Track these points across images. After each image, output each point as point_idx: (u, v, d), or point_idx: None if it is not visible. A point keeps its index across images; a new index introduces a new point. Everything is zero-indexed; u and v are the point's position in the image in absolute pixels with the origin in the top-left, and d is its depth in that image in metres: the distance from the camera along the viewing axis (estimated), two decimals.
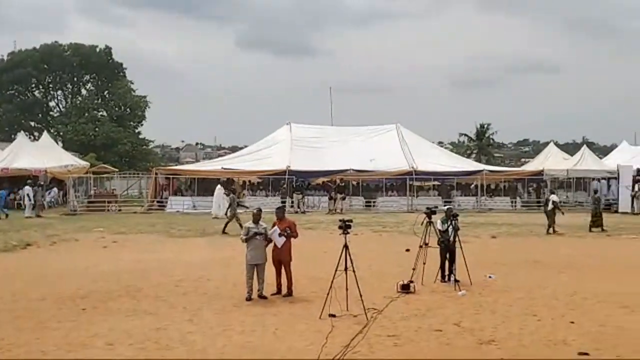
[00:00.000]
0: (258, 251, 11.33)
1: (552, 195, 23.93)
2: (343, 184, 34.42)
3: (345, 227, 10.44)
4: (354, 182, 36.18)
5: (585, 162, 37.49)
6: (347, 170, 34.72)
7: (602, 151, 64.35)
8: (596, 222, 22.96)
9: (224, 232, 21.94)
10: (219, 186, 30.53)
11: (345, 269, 10.16)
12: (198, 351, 8.28)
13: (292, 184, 33.93)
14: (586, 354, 8.01)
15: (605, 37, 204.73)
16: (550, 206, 22.70)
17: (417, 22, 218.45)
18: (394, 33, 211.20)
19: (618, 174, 34.08)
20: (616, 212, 31.84)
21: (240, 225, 21.35)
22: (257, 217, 11.53)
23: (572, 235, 22.07)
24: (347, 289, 10.06)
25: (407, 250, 13.07)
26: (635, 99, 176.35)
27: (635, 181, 32.59)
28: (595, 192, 27.75)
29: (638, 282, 12.80)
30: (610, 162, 39.30)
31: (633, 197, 32.02)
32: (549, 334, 8.97)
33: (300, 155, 35.62)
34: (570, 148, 61.87)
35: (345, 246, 10.26)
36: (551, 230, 22.33)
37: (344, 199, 33.30)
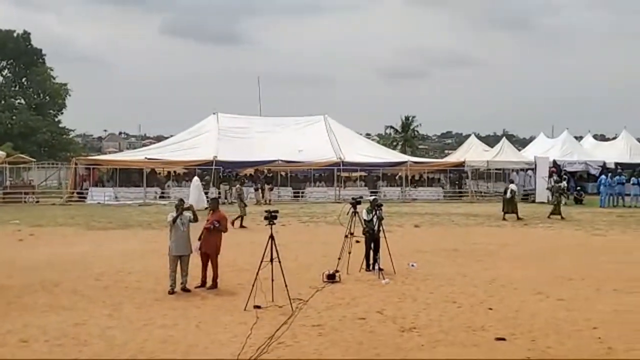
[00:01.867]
0: (181, 242, 11.11)
1: (512, 185, 25.73)
2: (271, 175, 34.30)
3: (271, 217, 10.40)
4: (282, 173, 36.15)
5: (505, 153, 38.93)
6: (275, 161, 34.59)
7: (521, 143, 67.10)
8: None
9: (241, 226, 21.13)
10: (196, 177, 29.97)
11: (271, 259, 10.13)
12: (117, 346, 8.05)
13: (219, 175, 33.51)
14: (503, 339, 8.32)
15: (523, 32, 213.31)
16: (509, 195, 24.29)
17: (346, 13, 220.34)
18: (323, 24, 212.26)
19: (535, 165, 35.55)
20: (533, 202, 33.22)
21: (242, 219, 21.17)
22: (179, 207, 11.27)
23: (490, 224, 22.89)
24: (272, 280, 10.04)
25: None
26: (553, 92, 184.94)
27: (550, 174, 34.10)
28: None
29: (551, 269, 13.42)
30: (528, 154, 40.94)
31: (550, 189, 33.49)
32: (468, 320, 9.26)
33: (227, 146, 35.16)
34: (491, 140, 64.04)
35: (271, 237, 10.22)
36: (515, 216, 23.79)
37: (272, 189, 33.18)
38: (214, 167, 33.27)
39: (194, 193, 28.39)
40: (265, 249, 10.17)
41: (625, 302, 10.38)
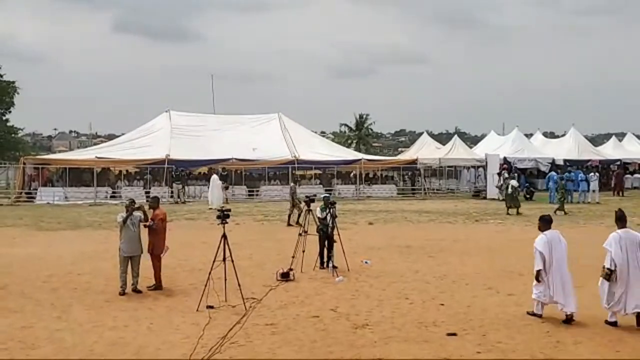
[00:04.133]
0: (132, 243, 10.91)
1: (512, 181, 26.66)
2: (225, 173, 34.02)
3: (223, 216, 10.31)
4: (237, 171, 35.90)
5: (456, 151, 39.63)
6: (229, 159, 34.36)
7: (473, 141, 68.44)
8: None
9: (297, 223, 20.57)
10: (215, 176, 29.95)
11: (224, 259, 10.04)
12: (66, 349, 7.86)
13: (171, 174, 33.06)
14: (454, 334, 8.46)
15: (475, 30, 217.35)
16: (509, 190, 25.46)
17: (299, 11, 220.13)
18: (273, 21, 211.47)
19: (486, 162, 36.30)
20: (485, 198, 33.93)
21: (298, 216, 20.99)
22: (130, 207, 11.05)
23: (442, 220, 23.27)
24: (225, 280, 9.96)
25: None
26: (503, 90, 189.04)
27: (500, 171, 34.85)
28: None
29: (502, 265, 13.70)
30: (479, 151, 41.77)
31: (499, 187, 34.25)
32: (420, 316, 9.38)
33: (180, 144, 34.72)
34: (444, 138, 65.05)
35: (224, 236, 10.13)
36: (514, 212, 24.87)
37: (226, 188, 32.90)
38: (166, 165, 32.82)
39: (214, 191, 28.69)
40: (218, 249, 10.08)
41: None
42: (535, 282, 9.17)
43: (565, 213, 24.93)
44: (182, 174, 33.60)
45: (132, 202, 11.28)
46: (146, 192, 31.20)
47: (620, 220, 9.03)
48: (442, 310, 9.77)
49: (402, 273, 12.70)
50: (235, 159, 34.42)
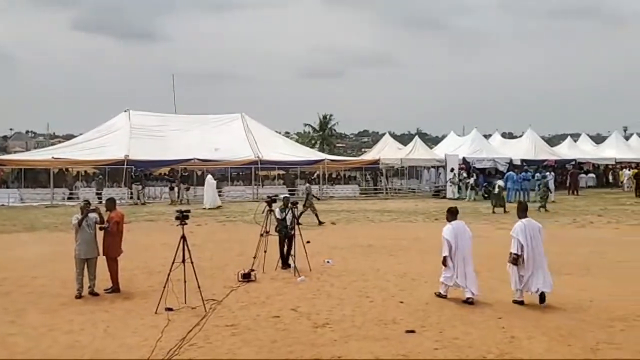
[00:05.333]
0: (88, 245, 10.72)
1: (499, 181, 28.36)
2: (187, 174, 33.66)
3: (182, 217, 10.21)
4: (199, 172, 35.56)
5: (417, 151, 40.09)
6: (191, 159, 34.01)
7: (434, 141, 69.20)
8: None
9: (320, 223, 21.37)
10: (209, 176, 29.94)
11: (183, 260, 9.93)
12: (19, 354, 7.69)
13: (130, 175, 32.54)
14: (412, 331, 8.56)
15: (436, 33, 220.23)
16: (497, 190, 26.70)
17: (264, 11, 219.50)
18: (240, 21, 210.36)
19: (446, 162, 36.83)
20: (444, 197, 34.41)
21: (317, 215, 21.56)
22: (85, 209, 10.83)
23: (404, 220, 23.50)
24: (185, 282, 9.86)
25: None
26: (464, 92, 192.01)
27: (459, 170, 35.41)
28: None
29: None
30: (439, 152, 42.34)
31: (454, 183, 34.81)
32: (380, 314, 9.46)
33: (140, 144, 34.19)
34: (405, 138, 65.58)
35: (183, 237, 10.03)
36: (500, 210, 25.72)
37: (187, 189, 32.56)
38: (125, 166, 32.31)
39: (209, 192, 28.61)
40: (177, 250, 9.97)
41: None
42: (443, 267, 10.31)
43: (547, 210, 25.84)
44: (141, 174, 33.11)
45: (87, 203, 11.07)
46: (97, 194, 30.79)
47: (523, 211, 10.27)
48: (401, 308, 9.88)
49: (364, 272, 12.78)
50: (197, 159, 34.09)
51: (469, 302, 10.02)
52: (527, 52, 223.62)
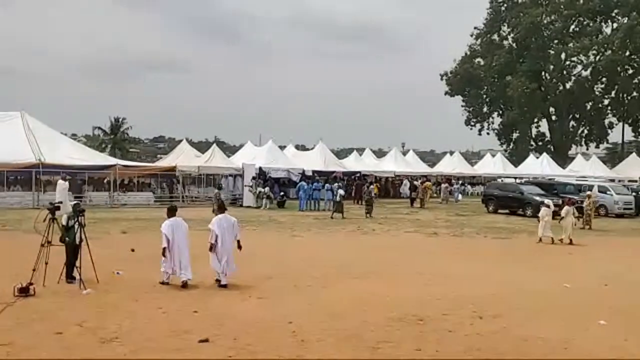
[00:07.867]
0: None
1: (340, 190, 30.92)
2: None
3: None
4: None
5: (215, 159, 40.12)
6: None
7: (231, 150, 69.67)
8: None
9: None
10: (60, 180, 28.32)
11: None
12: None
13: None
14: (206, 340, 8.52)
15: (235, 43, 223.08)
16: (337, 198, 29.85)
17: (51, 5, 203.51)
18: (24, 16, 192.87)
19: (243, 171, 37.32)
20: (241, 206, 34.81)
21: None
22: None
23: (200, 227, 23.21)
24: None
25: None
26: (261, 104, 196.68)
27: (252, 179, 36.11)
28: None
29: (255, 269, 14.06)
30: (236, 160, 42.75)
31: (251, 192, 35.51)
32: (173, 325, 9.26)
33: None
34: (203, 146, 65.11)
35: None
36: (339, 216, 29.02)
37: None
38: None
39: (62, 195, 25.65)
40: None
41: (315, 298, 11.50)
42: (162, 257, 12.10)
43: (371, 216, 29.63)
44: None
45: None
46: None
47: (220, 208, 13.20)
48: (195, 318, 9.79)
49: (154, 282, 12.38)
50: None
51: (185, 284, 11.91)
52: (319, 70, 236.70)
